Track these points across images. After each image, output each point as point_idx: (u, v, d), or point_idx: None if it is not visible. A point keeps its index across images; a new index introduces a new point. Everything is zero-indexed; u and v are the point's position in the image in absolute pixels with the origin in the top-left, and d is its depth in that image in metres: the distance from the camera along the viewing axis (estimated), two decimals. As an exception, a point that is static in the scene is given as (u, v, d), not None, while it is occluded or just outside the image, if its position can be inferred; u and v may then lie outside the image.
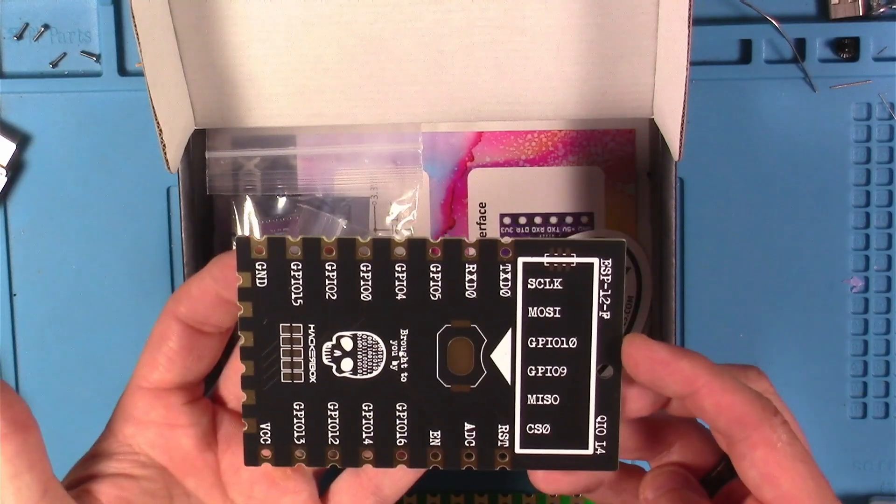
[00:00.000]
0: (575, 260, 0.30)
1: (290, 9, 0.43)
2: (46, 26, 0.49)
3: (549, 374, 0.31)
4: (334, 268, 0.30)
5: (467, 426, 0.32)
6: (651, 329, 0.48)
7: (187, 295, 0.33)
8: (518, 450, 0.32)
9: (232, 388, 0.35)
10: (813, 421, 0.49)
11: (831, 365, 0.49)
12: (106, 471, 0.33)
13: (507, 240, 0.30)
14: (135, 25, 0.38)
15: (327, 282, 0.31)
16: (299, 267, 0.30)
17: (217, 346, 0.35)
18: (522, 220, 0.48)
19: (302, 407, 0.32)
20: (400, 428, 0.31)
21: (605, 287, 0.31)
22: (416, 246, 0.30)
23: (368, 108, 0.45)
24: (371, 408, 0.32)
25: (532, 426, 0.32)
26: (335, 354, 0.31)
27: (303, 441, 0.32)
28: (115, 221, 0.49)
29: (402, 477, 0.34)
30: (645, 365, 0.31)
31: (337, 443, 0.32)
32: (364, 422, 0.32)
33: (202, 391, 0.35)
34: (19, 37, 0.49)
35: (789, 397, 0.49)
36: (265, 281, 0.31)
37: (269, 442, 0.32)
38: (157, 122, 0.39)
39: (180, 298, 0.33)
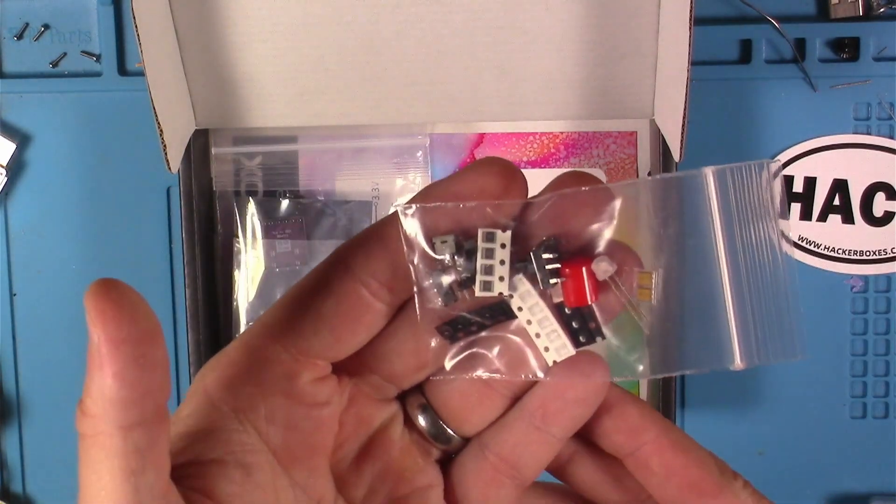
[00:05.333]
0: None
1: (291, 9, 0.42)
2: (46, 26, 0.48)
3: None
4: None
5: None
6: (652, 331, 0.48)
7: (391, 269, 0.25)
8: None
9: (384, 363, 0.27)
10: (813, 421, 0.49)
11: (831, 365, 0.49)
12: (212, 455, 0.25)
13: None
14: (135, 25, 0.38)
15: None
16: None
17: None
18: (524, 222, 0.48)
19: None
20: None
21: None
22: None
23: (369, 108, 0.45)
24: None
25: None
26: None
27: None
28: (115, 221, 0.49)
29: (541, 450, 0.27)
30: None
31: None
32: None
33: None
34: (19, 37, 0.48)
35: (790, 397, 0.49)
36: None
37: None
38: (158, 123, 0.39)
39: (377, 268, 0.25)
